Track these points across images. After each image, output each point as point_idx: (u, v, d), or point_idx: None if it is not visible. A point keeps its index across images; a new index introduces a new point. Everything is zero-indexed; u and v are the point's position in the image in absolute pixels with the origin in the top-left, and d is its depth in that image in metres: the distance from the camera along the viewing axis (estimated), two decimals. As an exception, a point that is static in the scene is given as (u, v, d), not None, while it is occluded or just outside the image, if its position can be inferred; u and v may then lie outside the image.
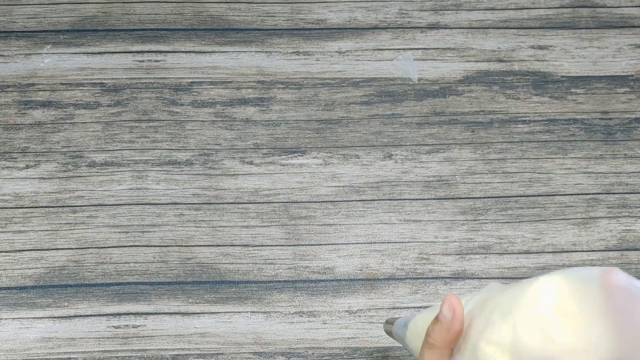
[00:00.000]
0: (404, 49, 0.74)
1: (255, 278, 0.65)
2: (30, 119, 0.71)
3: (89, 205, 0.67)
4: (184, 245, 0.66)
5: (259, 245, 0.66)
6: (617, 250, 0.67)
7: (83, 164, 0.69)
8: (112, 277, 0.65)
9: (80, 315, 0.64)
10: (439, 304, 0.50)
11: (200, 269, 0.65)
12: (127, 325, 0.63)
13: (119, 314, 0.64)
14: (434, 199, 0.69)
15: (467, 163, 0.70)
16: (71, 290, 0.64)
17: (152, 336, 0.63)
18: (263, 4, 0.76)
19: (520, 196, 0.69)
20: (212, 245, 0.66)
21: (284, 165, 0.69)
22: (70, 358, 0.63)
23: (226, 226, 0.67)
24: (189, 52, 0.74)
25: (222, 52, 0.74)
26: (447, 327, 0.43)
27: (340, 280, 0.66)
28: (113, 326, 0.63)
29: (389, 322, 0.57)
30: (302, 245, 0.67)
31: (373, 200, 0.69)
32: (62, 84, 0.72)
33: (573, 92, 0.73)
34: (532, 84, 0.73)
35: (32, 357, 0.62)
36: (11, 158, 0.69)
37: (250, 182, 0.69)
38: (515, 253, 0.67)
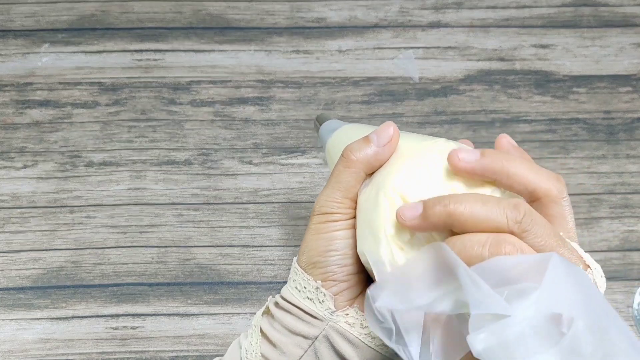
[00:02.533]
0: (404, 48, 0.74)
1: (255, 279, 0.65)
2: (27, 118, 0.70)
3: (87, 206, 0.67)
4: (183, 246, 0.66)
5: (258, 246, 0.66)
6: (619, 250, 0.66)
7: (81, 163, 0.69)
8: (110, 277, 0.65)
9: (78, 317, 0.63)
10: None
11: (199, 270, 0.65)
12: (125, 327, 0.63)
13: (117, 315, 0.63)
14: (435, 199, 0.68)
15: (469, 163, 0.69)
16: (69, 291, 0.64)
17: (150, 337, 0.63)
18: (262, 2, 0.75)
19: (522, 196, 0.68)
20: (211, 246, 0.66)
21: (283, 165, 0.69)
22: (68, 359, 0.62)
23: (225, 226, 0.67)
24: (188, 50, 0.73)
25: (221, 50, 0.73)
26: (375, 150, 0.40)
27: (341, 281, 0.66)
28: (111, 327, 0.63)
29: (321, 119, 0.51)
30: (302, 245, 0.66)
31: (373, 200, 0.68)
32: (59, 83, 0.72)
33: (575, 91, 0.72)
34: (534, 83, 0.73)
35: (29, 359, 0.62)
36: (8, 158, 0.69)
37: (249, 182, 0.68)
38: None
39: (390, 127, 0.41)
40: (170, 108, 0.71)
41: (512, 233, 0.33)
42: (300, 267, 0.41)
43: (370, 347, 0.40)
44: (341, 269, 0.40)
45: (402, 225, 0.36)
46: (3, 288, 0.64)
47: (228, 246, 0.66)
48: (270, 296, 0.45)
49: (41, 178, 0.68)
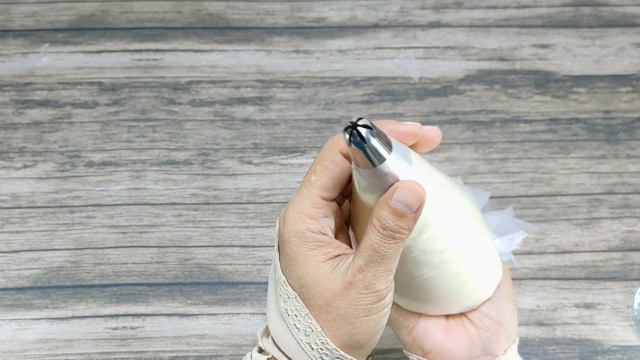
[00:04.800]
0: (404, 48, 0.74)
1: (255, 279, 0.65)
2: (27, 118, 0.70)
3: (87, 206, 0.67)
4: (183, 246, 0.66)
5: (258, 246, 0.66)
6: (620, 251, 0.66)
7: (81, 163, 0.69)
8: (109, 278, 0.65)
9: (78, 317, 0.63)
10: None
11: (199, 270, 0.65)
12: (125, 327, 0.63)
13: (117, 315, 0.63)
14: (434, 199, 0.68)
15: (469, 163, 0.69)
16: (69, 292, 0.64)
17: (150, 337, 0.63)
18: (262, 2, 0.75)
19: (522, 196, 0.68)
20: (210, 246, 0.66)
21: (283, 165, 0.69)
22: (67, 359, 0.62)
23: (225, 226, 0.67)
24: (188, 50, 0.73)
25: (221, 50, 0.73)
26: (412, 217, 0.37)
27: (340, 281, 0.66)
28: (111, 327, 0.63)
29: (380, 137, 0.37)
30: (302, 245, 0.66)
31: (373, 200, 0.68)
32: (59, 83, 0.72)
33: (575, 91, 0.72)
34: (534, 83, 0.72)
35: (29, 359, 0.62)
36: (8, 158, 0.69)
37: (249, 182, 0.68)
38: (517, 254, 0.66)
39: (417, 190, 0.37)
40: (170, 108, 0.71)
41: None
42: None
43: None
44: None
45: None
46: (3, 288, 0.64)
47: (228, 246, 0.66)
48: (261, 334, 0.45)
49: (41, 178, 0.68)
